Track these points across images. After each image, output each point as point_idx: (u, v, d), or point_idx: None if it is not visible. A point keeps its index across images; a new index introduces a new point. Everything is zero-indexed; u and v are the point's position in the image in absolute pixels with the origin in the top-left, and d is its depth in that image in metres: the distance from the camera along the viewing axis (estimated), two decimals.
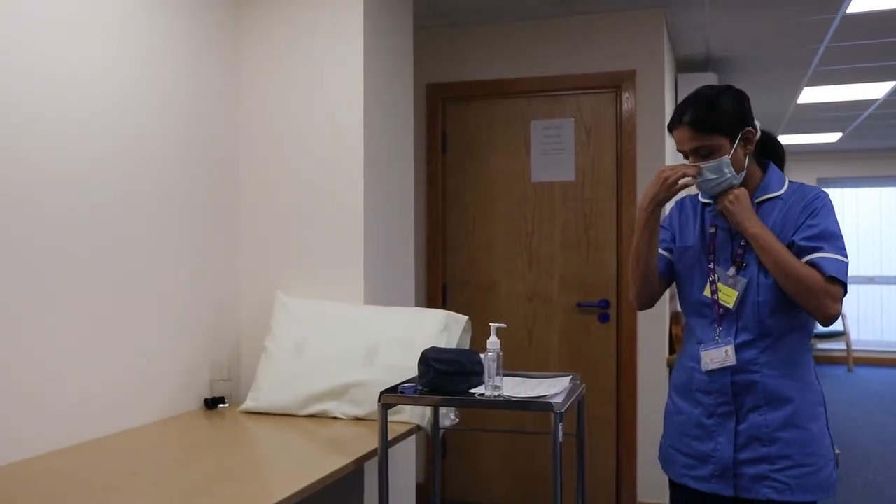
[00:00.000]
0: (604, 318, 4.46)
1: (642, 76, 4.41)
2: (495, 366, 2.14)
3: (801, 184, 2.14)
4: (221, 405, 2.86)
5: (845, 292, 1.99)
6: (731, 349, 2.08)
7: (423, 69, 4.70)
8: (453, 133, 4.73)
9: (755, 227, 2.03)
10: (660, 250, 2.26)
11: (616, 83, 4.43)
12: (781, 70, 5.74)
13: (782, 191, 2.12)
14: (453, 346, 2.66)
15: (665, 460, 2.27)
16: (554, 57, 4.53)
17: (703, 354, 2.13)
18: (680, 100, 5.26)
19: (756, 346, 2.08)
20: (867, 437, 6.30)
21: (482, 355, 2.19)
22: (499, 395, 2.13)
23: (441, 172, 4.72)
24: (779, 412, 2.05)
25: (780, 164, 2.22)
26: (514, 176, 4.62)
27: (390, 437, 2.27)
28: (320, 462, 2.09)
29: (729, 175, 2.06)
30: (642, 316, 4.38)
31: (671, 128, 2.12)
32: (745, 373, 2.08)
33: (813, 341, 9.42)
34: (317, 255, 3.02)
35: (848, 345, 9.52)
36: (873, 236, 10.29)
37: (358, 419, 2.61)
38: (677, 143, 2.11)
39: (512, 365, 4.50)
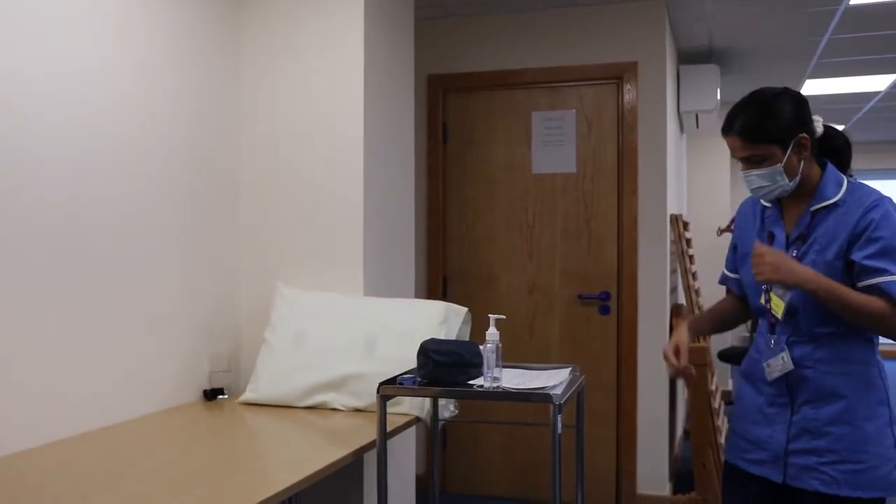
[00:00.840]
0: (604, 311, 4.45)
1: (644, 68, 4.39)
2: (494, 357, 2.14)
3: (861, 185, 2.05)
4: (221, 396, 2.87)
5: None
6: (786, 355, 2.08)
7: (424, 60, 4.68)
8: (454, 124, 4.72)
9: (809, 282, 1.94)
10: (731, 274, 2.31)
11: (618, 75, 4.42)
12: (784, 62, 5.73)
13: (838, 196, 2.03)
14: (453, 337, 2.66)
15: (727, 441, 2.30)
16: (555, 48, 4.52)
17: (764, 365, 2.14)
18: (682, 91, 5.27)
19: (810, 344, 2.06)
20: None
21: (481, 347, 2.19)
22: (498, 387, 2.13)
23: (442, 164, 4.71)
24: (830, 407, 2.04)
25: (844, 161, 2.14)
26: (515, 167, 4.61)
27: (389, 428, 2.27)
28: (319, 453, 2.09)
29: (781, 182, 2.02)
30: (643, 308, 4.37)
31: (723, 133, 2.08)
32: (799, 367, 2.07)
33: None
34: (317, 247, 3.01)
35: None
36: None
37: (357, 411, 2.61)
38: (730, 149, 2.07)
39: (513, 357, 4.51)
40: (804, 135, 2.01)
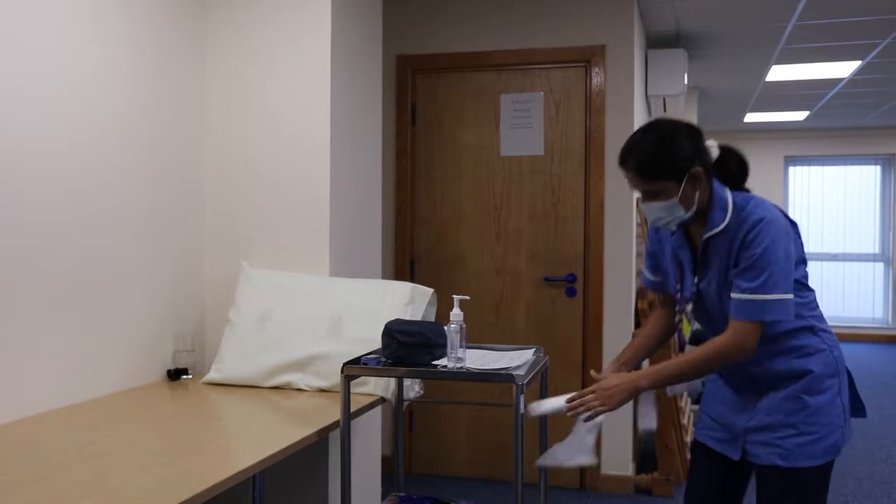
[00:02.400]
0: (571, 293, 4.49)
1: (612, 51, 4.41)
2: (458, 338, 2.15)
3: (744, 205, 2.08)
4: (185, 377, 2.85)
5: (772, 320, 1.99)
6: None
7: (394, 41, 4.66)
8: (423, 106, 4.71)
9: (641, 386, 2.04)
10: (652, 276, 2.34)
11: (586, 58, 4.43)
12: (750, 47, 5.78)
13: (725, 223, 2.08)
14: (418, 318, 2.66)
15: (697, 422, 2.38)
16: (525, 30, 4.51)
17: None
18: (649, 75, 5.30)
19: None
20: None
21: (445, 327, 2.20)
22: (461, 367, 2.15)
23: (410, 145, 4.70)
24: (787, 389, 2.12)
25: (739, 181, 2.16)
26: (483, 149, 4.61)
27: (354, 408, 2.28)
28: (283, 433, 2.09)
29: (678, 214, 2.06)
30: (609, 291, 4.41)
31: (620, 165, 2.09)
32: (750, 365, 2.14)
33: None
34: (282, 227, 3.00)
35: None
36: (837, 214, 10.45)
37: (322, 391, 2.61)
38: (627, 181, 2.10)
39: (479, 338, 4.53)
40: (698, 168, 2.03)
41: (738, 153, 2.17)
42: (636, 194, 4.61)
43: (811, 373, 2.10)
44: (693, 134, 2.06)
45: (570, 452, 2.10)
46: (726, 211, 2.08)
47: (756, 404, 2.16)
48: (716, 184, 2.11)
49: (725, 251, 2.07)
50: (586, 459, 2.11)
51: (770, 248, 1.98)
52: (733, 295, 2.02)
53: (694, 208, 2.07)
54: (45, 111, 2.32)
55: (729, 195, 2.10)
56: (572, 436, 2.09)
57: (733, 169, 2.15)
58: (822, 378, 2.11)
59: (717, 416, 2.26)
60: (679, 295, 2.21)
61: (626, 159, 2.05)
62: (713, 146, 2.12)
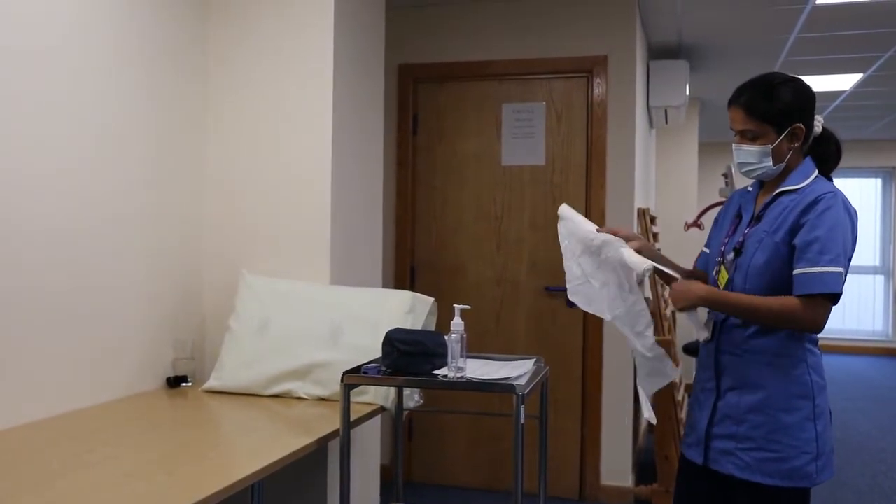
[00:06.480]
0: (571, 303, 4.46)
1: (614, 62, 4.41)
2: (459, 347, 2.15)
3: (821, 180, 2.12)
4: (184, 384, 2.84)
5: (834, 299, 1.99)
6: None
7: (395, 50, 4.66)
8: (425, 115, 4.71)
9: (699, 295, 2.08)
10: (706, 250, 2.38)
11: (588, 68, 4.44)
12: (752, 59, 5.79)
13: (800, 185, 2.10)
14: (419, 327, 2.66)
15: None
16: (526, 40, 4.52)
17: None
18: (651, 86, 5.31)
19: (743, 331, 2.12)
20: None
21: (446, 337, 2.19)
22: (462, 377, 2.14)
23: (412, 154, 4.70)
24: (752, 396, 2.10)
25: (830, 165, 2.19)
26: (484, 159, 4.61)
27: (353, 417, 2.27)
28: (282, 441, 2.08)
29: (766, 163, 2.10)
30: None
31: (728, 104, 2.16)
32: (729, 354, 2.15)
33: None
34: (283, 235, 3.00)
35: None
36: None
37: (322, 399, 2.60)
38: (730, 121, 2.16)
39: (479, 348, 4.51)
40: (800, 125, 2.09)
41: (837, 138, 2.22)
42: (636, 208, 4.61)
43: (781, 387, 2.06)
44: (808, 95, 2.12)
45: (651, 382, 2.28)
46: (807, 178, 2.12)
47: (715, 404, 2.16)
48: (808, 158, 2.16)
49: (787, 210, 2.07)
50: (669, 377, 2.26)
51: (835, 227, 2.00)
52: (798, 271, 2.01)
53: (782, 165, 2.11)
54: (51, 124, 2.33)
55: (816, 172, 2.14)
56: (640, 367, 2.26)
57: (830, 151, 2.19)
58: (790, 397, 2.06)
59: (689, 419, 2.29)
60: (725, 246, 2.21)
61: (738, 96, 2.12)
62: (819, 122, 2.17)
